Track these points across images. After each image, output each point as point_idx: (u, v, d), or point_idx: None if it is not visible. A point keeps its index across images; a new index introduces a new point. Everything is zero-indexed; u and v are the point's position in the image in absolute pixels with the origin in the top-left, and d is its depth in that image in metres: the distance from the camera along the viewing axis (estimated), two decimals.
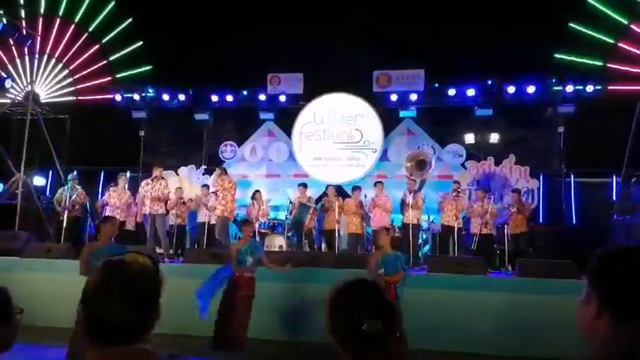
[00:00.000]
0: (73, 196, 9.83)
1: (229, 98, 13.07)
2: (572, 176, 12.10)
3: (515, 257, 8.27)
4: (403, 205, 9.68)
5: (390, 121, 12.81)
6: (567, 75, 11.65)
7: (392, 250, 5.91)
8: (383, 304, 1.46)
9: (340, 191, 10.94)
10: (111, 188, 10.20)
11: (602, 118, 10.96)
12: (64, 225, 9.54)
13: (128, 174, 12.52)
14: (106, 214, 9.28)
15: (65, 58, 14.01)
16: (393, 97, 12.42)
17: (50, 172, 13.59)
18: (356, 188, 10.26)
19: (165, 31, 13.76)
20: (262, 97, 12.95)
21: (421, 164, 9.63)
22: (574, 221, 11.79)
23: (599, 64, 11.89)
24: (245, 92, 13.04)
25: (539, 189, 11.73)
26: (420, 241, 10.17)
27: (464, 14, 12.78)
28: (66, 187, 10.08)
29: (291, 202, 10.62)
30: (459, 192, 9.60)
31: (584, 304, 1.11)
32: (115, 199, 9.82)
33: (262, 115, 13.32)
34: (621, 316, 1.04)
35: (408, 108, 12.64)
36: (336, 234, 9.71)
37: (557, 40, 11.89)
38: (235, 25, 13.92)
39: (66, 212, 9.67)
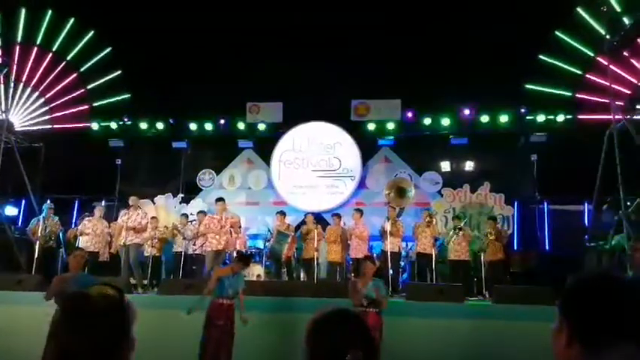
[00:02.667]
0: (49, 227, 9.61)
1: (208, 127, 13.09)
2: (545, 203, 12.36)
3: (492, 284, 8.34)
4: (383, 233, 9.66)
5: (368, 149, 12.98)
6: (539, 105, 12.04)
7: (372, 278, 5.93)
8: (363, 334, 1.46)
9: (319, 219, 10.93)
10: (86, 218, 10.01)
11: (573, 146, 11.30)
12: (36, 256, 9.28)
13: (103, 203, 12.33)
14: (79, 245, 9.10)
15: (42, 87, 13.89)
16: (371, 126, 12.62)
17: (23, 201, 13.30)
18: (335, 215, 10.30)
19: (144, 60, 13.81)
20: (241, 125, 13.01)
21: (401, 192, 9.70)
22: (547, 247, 11.98)
23: (569, 94, 12.32)
24: (224, 121, 13.08)
25: (513, 216, 11.92)
26: (399, 269, 10.17)
27: (439, 47, 13.17)
28: (41, 216, 9.86)
29: (269, 230, 10.55)
30: (430, 219, 9.70)
31: (556, 332, 1.12)
32: (90, 229, 9.61)
33: (241, 144, 13.34)
34: (591, 345, 1.06)
35: (386, 137, 12.84)
36: (315, 262, 9.65)
37: (528, 72, 12.31)
38: (214, 55, 14.06)
39: (37, 242, 9.41)
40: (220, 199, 9.65)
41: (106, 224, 9.97)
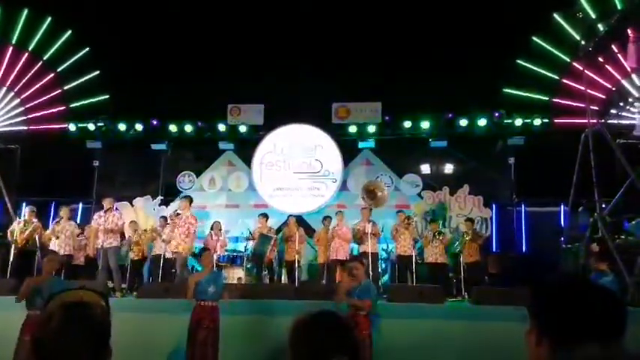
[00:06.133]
0: (28, 230, 9.40)
1: (188, 128, 12.98)
2: (522, 205, 12.56)
3: (471, 285, 8.43)
4: (361, 235, 9.59)
5: (349, 151, 13.04)
6: (516, 109, 12.25)
7: (364, 279, 5.89)
8: (348, 337, 1.46)
9: (301, 221, 10.93)
10: (61, 221, 9.83)
11: (550, 149, 11.51)
12: (11, 259, 9.08)
13: (80, 205, 12.13)
14: (51, 248, 8.92)
15: (17, 87, 13.58)
16: (352, 129, 12.69)
17: None
18: (326, 218, 10.25)
19: (122, 60, 13.62)
20: (222, 127, 12.94)
21: (370, 194, 9.65)
22: (525, 249, 12.17)
23: (545, 98, 12.55)
24: (204, 123, 12.99)
25: (492, 218, 12.08)
26: (380, 270, 10.22)
27: (419, 50, 13.31)
28: (21, 219, 9.67)
29: (250, 232, 10.50)
30: (407, 220, 9.77)
31: (528, 332, 1.18)
32: (59, 231, 9.43)
33: (222, 146, 13.28)
34: (557, 343, 1.12)
35: (366, 139, 12.92)
36: (297, 264, 9.64)
37: (506, 76, 12.51)
38: (196, 56, 13.95)
39: (13, 246, 9.21)
40: (185, 197, 9.56)
41: (74, 225, 9.77)
